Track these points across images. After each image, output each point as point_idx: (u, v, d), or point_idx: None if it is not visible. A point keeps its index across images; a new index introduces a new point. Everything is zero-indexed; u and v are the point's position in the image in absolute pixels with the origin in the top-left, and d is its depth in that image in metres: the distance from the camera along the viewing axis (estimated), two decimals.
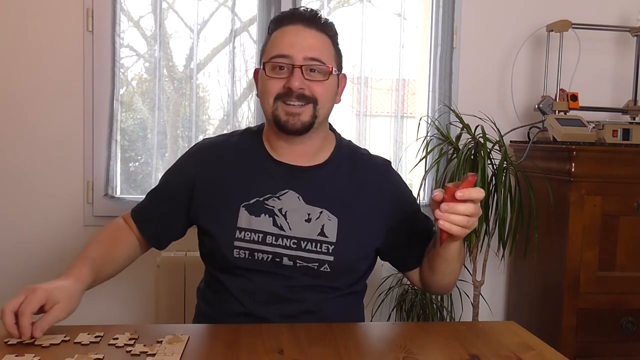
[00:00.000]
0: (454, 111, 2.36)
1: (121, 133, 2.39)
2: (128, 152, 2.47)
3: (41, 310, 1.06)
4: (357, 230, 1.28)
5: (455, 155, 2.26)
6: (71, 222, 2.33)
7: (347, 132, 2.51)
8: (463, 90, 2.50)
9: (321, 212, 1.27)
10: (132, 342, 1.05)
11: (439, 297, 2.39)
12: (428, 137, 2.38)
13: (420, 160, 2.36)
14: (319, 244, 1.26)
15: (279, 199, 1.27)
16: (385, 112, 2.58)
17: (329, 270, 1.26)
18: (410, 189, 1.46)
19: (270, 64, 1.24)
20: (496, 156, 2.22)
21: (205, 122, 2.54)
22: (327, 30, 1.28)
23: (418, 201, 2.37)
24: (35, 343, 1.03)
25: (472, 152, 2.19)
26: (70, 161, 2.31)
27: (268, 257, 1.25)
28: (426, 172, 2.39)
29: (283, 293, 1.26)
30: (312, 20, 1.26)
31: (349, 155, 1.36)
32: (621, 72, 2.56)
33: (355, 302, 1.39)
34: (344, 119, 2.56)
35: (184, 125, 2.46)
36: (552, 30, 2.37)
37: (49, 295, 1.06)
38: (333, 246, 1.25)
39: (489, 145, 2.18)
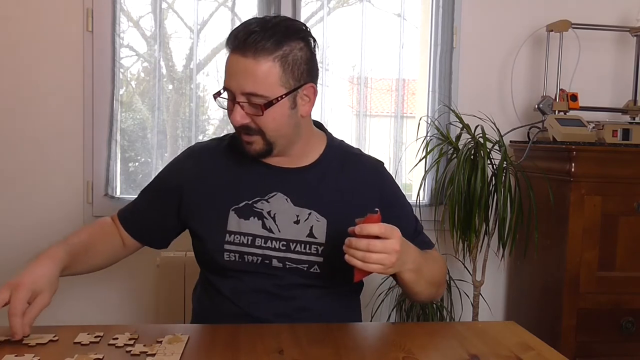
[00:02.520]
0: (453, 111, 2.36)
1: (121, 133, 2.39)
2: (128, 152, 2.47)
3: None
4: (347, 231, 1.28)
5: (455, 155, 2.26)
6: (71, 222, 2.32)
7: (347, 132, 2.51)
8: (463, 90, 2.50)
9: (310, 214, 1.27)
10: (132, 342, 1.05)
11: (439, 297, 2.39)
12: (428, 137, 2.38)
13: (420, 160, 2.36)
14: (308, 246, 1.26)
15: (268, 201, 1.28)
16: (385, 112, 2.58)
17: (318, 271, 1.26)
18: (404, 191, 1.44)
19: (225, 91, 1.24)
20: (496, 156, 2.22)
21: (205, 122, 2.54)
22: (269, 51, 1.16)
23: (417, 201, 2.37)
24: (23, 342, 1.03)
25: (472, 152, 2.19)
26: (70, 161, 2.31)
27: (258, 259, 1.26)
28: (426, 172, 2.39)
29: (275, 291, 1.27)
30: (248, 47, 1.15)
31: (339, 155, 1.35)
32: (621, 72, 2.56)
33: (351, 300, 1.39)
34: (344, 119, 2.56)
35: (183, 126, 2.46)
36: (552, 30, 2.37)
37: (34, 288, 1.07)
38: (322, 247, 1.26)
39: (489, 145, 2.18)
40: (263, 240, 1.26)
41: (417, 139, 2.42)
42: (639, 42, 2.40)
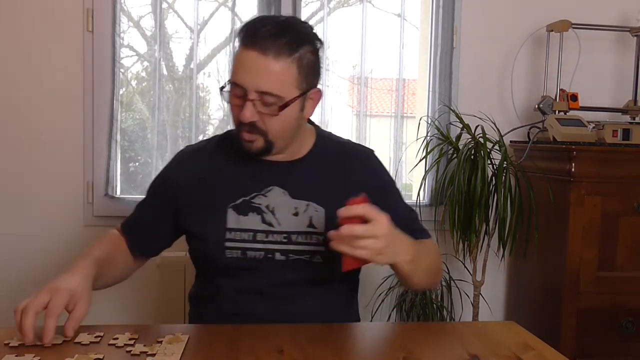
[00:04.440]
0: (454, 111, 2.36)
1: (121, 133, 2.39)
2: (128, 152, 2.47)
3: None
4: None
5: (455, 155, 2.26)
6: (71, 222, 2.33)
7: (347, 132, 2.51)
8: (463, 90, 2.50)
9: (308, 205, 1.28)
10: (132, 342, 1.05)
11: (439, 297, 2.39)
12: (428, 137, 2.38)
13: (420, 160, 2.36)
14: (309, 236, 1.27)
15: (265, 195, 1.28)
16: (385, 112, 2.58)
17: (321, 260, 1.27)
18: (404, 191, 1.45)
19: (231, 85, 1.22)
20: (496, 156, 2.22)
21: (205, 122, 2.54)
22: (291, 51, 1.17)
23: (417, 201, 2.37)
24: (36, 343, 1.03)
25: (472, 152, 2.19)
26: (71, 161, 2.31)
27: (260, 255, 1.26)
28: (426, 172, 2.39)
29: (275, 291, 1.27)
30: (270, 45, 1.15)
31: (330, 147, 1.36)
32: (621, 72, 2.56)
33: (349, 299, 1.39)
34: (344, 119, 2.56)
35: (183, 126, 2.46)
36: (552, 30, 2.37)
37: (72, 294, 1.06)
38: (323, 237, 1.26)
39: (489, 145, 2.18)
40: (264, 234, 1.26)
41: (417, 139, 2.42)
42: (639, 42, 2.40)
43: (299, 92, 1.20)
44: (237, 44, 1.21)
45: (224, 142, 1.36)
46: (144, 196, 1.42)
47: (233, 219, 1.27)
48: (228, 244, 1.27)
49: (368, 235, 1.05)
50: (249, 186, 1.29)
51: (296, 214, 1.27)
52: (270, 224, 1.27)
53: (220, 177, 1.31)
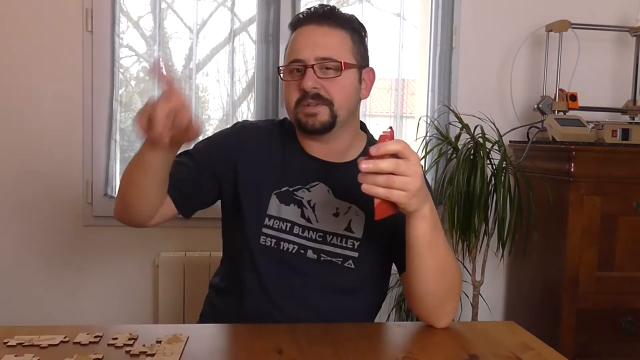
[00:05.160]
0: (453, 111, 2.36)
1: (120, 133, 2.39)
2: (127, 152, 2.47)
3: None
4: (384, 228, 1.22)
5: (454, 155, 2.26)
6: (71, 222, 2.32)
7: None
8: (462, 90, 2.50)
9: (350, 207, 1.26)
10: (131, 342, 1.04)
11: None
12: (427, 137, 2.38)
13: (420, 160, 2.36)
14: (344, 239, 1.25)
15: (309, 190, 1.27)
16: (384, 112, 2.58)
17: (352, 266, 1.25)
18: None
19: (287, 69, 1.24)
20: (495, 156, 2.22)
21: (205, 122, 2.54)
22: (343, 24, 1.24)
23: None
24: (34, 343, 1.03)
25: (472, 152, 2.19)
26: (70, 161, 2.31)
27: (293, 248, 1.25)
28: (425, 172, 2.38)
29: (302, 294, 1.24)
30: (325, 16, 1.23)
31: None
32: (620, 72, 2.56)
33: (373, 311, 1.37)
34: None
35: None
36: (551, 30, 2.37)
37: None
38: (358, 242, 1.25)
39: (488, 145, 2.18)
40: (301, 229, 1.25)
41: (416, 139, 2.42)
42: (638, 42, 2.40)
43: (356, 61, 1.24)
44: (290, 33, 1.27)
45: (280, 129, 1.35)
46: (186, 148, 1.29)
47: (274, 206, 1.26)
48: (265, 230, 1.25)
49: (407, 173, 0.94)
50: (296, 178, 1.27)
51: (336, 215, 1.26)
52: (308, 220, 1.25)
53: (273, 161, 1.30)
